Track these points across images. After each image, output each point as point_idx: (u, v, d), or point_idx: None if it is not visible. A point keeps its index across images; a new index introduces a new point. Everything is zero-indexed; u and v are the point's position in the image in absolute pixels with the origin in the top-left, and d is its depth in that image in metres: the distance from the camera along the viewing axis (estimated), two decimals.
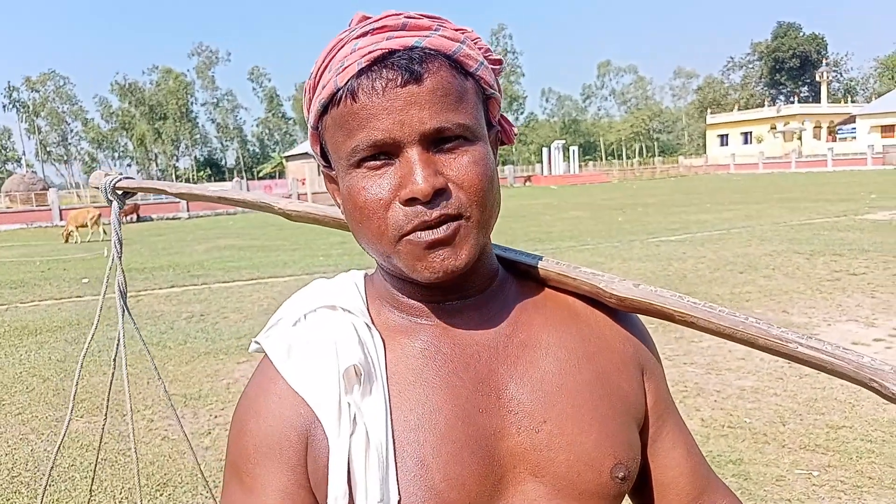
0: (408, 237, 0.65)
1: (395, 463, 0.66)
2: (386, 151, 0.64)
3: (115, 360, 1.53)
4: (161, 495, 3.52)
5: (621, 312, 0.81)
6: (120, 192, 1.49)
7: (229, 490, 0.71)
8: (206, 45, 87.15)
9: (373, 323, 0.73)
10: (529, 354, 0.73)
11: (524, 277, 0.81)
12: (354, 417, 0.66)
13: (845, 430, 3.88)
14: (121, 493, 3.56)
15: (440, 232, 0.64)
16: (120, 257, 1.52)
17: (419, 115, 0.63)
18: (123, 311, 1.52)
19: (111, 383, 1.59)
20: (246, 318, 7.68)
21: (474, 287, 0.74)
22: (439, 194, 0.63)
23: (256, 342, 0.75)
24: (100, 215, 20.17)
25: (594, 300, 0.80)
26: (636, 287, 0.78)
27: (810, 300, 7.13)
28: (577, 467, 0.69)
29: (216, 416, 4.59)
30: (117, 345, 1.52)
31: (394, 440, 0.66)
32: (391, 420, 0.67)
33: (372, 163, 0.64)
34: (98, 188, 1.50)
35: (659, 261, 10.29)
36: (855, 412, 4.11)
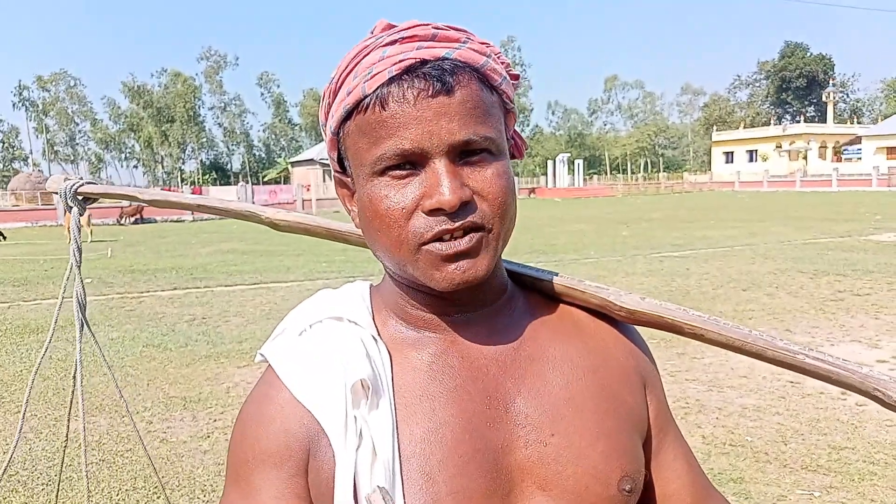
0: (427, 246, 0.64)
1: (402, 476, 0.65)
2: (412, 161, 0.64)
3: (74, 376, 1.49)
4: (158, 498, 3.50)
5: (622, 326, 0.81)
6: (80, 198, 1.41)
7: (228, 496, 0.71)
8: (214, 49, 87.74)
9: (379, 335, 0.72)
10: (536, 368, 0.73)
11: (531, 290, 0.81)
12: (361, 431, 0.66)
13: (848, 451, 3.86)
14: (118, 495, 3.55)
15: (463, 244, 0.64)
16: (79, 266, 1.46)
17: (448, 127, 0.63)
18: (82, 324, 1.46)
19: (71, 399, 1.55)
20: (248, 322, 7.67)
21: (484, 300, 0.73)
22: (464, 206, 0.64)
23: (261, 353, 0.74)
24: (90, 215, 20.21)
25: (597, 313, 0.80)
26: (643, 300, 0.79)
27: (813, 319, 7.11)
28: (585, 480, 0.68)
29: (215, 420, 4.58)
30: (76, 363, 1.48)
31: (400, 454, 0.66)
32: (398, 433, 0.67)
33: (397, 172, 0.64)
34: (57, 193, 1.39)
35: (662, 276, 10.27)
36: (858, 433, 4.09)
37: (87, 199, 1.40)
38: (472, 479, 0.66)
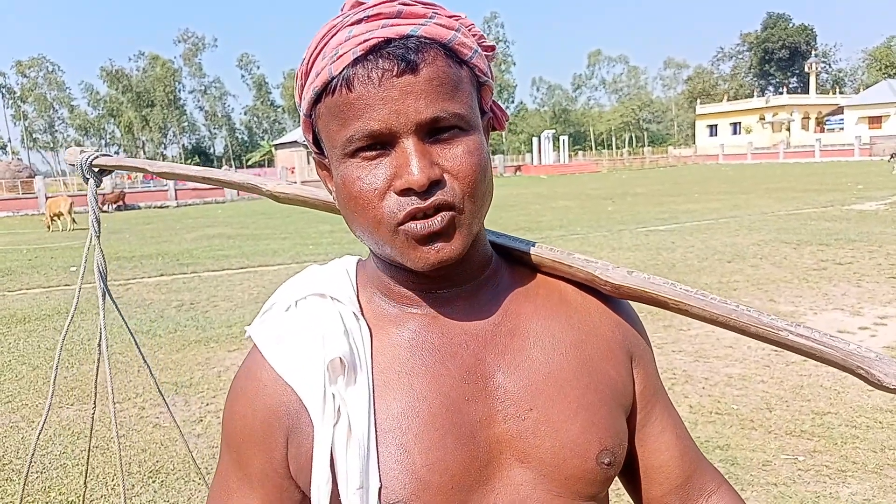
0: (403, 227, 0.65)
1: (378, 450, 0.67)
2: (381, 141, 0.64)
3: (99, 345, 1.51)
4: (153, 482, 3.53)
5: (612, 299, 0.81)
6: (97, 170, 1.44)
7: (223, 460, 0.76)
8: (192, 31, 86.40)
9: (361, 311, 0.74)
10: (517, 343, 0.73)
11: (518, 263, 0.81)
12: (339, 408, 0.68)
13: (830, 416, 3.94)
14: (113, 480, 3.57)
15: (435, 224, 0.64)
16: (98, 236, 1.47)
17: (415, 105, 0.62)
18: (104, 293, 1.48)
19: (97, 371, 1.57)
20: (236, 306, 7.67)
21: (465, 275, 0.74)
22: (434, 184, 0.64)
23: (248, 331, 0.77)
24: (72, 203, 19.98)
25: (585, 286, 0.81)
26: (630, 274, 0.79)
27: (797, 289, 7.20)
28: (562, 453, 0.70)
29: (207, 404, 4.60)
30: (101, 331, 1.49)
31: (377, 428, 0.68)
32: (375, 408, 0.69)
33: (367, 153, 0.64)
34: (74, 164, 1.44)
35: (648, 250, 10.35)
36: (840, 399, 4.18)
37: (103, 171, 1.43)
38: (448, 451, 0.67)
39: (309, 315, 0.73)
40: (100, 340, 1.49)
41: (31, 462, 1.62)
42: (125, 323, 1.58)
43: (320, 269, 0.79)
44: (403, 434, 0.68)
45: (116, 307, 1.56)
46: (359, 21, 0.64)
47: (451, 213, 0.65)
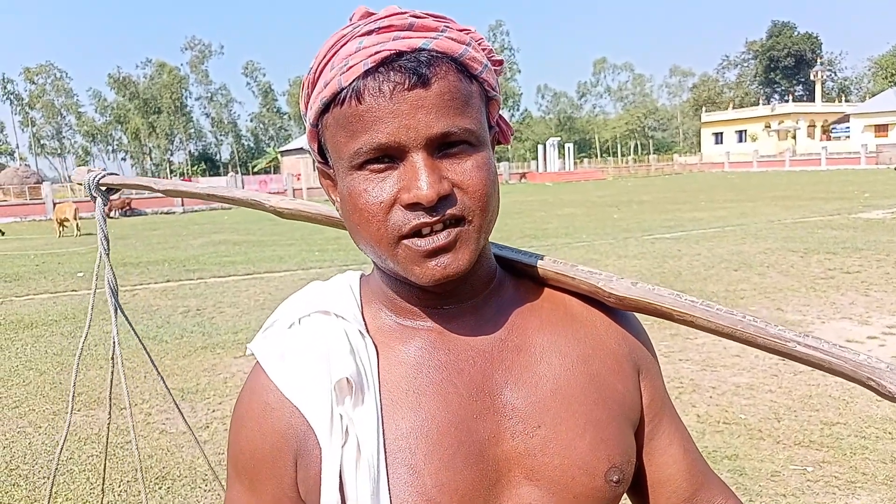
0: (406, 241, 0.64)
1: (387, 472, 0.66)
2: (390, 155, 0.63)
3: (112, 357, 1.52)
4: (160, 489, 3.53)
5: (618, 311, 0.80)
6: (104, 189, 1.46)
7: (233, 488, 0.74)
8: (198, 38, 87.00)
9: (367, 328, 0.73)
10: (524, 359, 0.72)
11: (522, 276, 0.81)
12: (346, 429, 0.66)
13: (839, 426, 3.92)
14: (120, 486, 3.57)
15: (441, 239, 0.64)
16: (107, 254, 1.49)
17: (426, 120, 0.62)
18: (116, 308, 1.50)
19: (111, 381, 1.58)
20: (242, 312, 7.68)
21: (471, 290, 0.73)
22: (443, 200, 0.63)
23: (250, 348, 0.75)
24: (77, 209, 20.05)
25: (590, 299, 0.79)
26: (634, 286, 0.77)
27: (804, 298, 7.17)
28: (571, 471, 0.69)
29: (214, 410, 4.60)
30: (113, 343, 1.50)
31: (385, 448, 0.67)
32: (383, 428, 0.67)
33: (375, 165, 0.64)
34: (82, 184, 1.47)
35: (654, 258, 10.32)
36: (849, 409, 4.15)
37: (110, 190, 1.45)
38: (457, 471, 0.66)
39: (313, 333, 0.71)
40: (113, 354, 1.50)
41: (54, 478, 1.63)
42: (138, 338, 1.59)
43: (322, 286, 0.78)
44: (412, 454, 0.66)
45: (128, 321, 1.56)
46: (370, 32, 0.63)
47: (458, 227, 0.65)
